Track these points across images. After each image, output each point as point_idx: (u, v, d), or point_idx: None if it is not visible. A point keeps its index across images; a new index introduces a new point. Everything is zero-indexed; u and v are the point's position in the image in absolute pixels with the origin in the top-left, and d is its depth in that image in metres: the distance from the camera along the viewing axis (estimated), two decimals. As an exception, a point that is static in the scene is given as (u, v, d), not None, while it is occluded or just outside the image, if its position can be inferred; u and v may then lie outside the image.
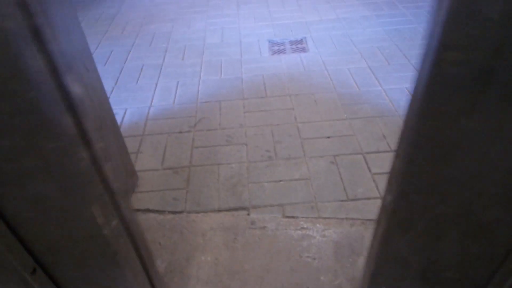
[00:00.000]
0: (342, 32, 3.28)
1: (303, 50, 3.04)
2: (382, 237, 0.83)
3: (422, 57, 0.57)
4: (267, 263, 1.53)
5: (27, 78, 0.58)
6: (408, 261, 0.85)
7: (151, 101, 2.54)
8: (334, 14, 3.61)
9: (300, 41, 3.17)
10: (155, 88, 2.67)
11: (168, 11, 3.89)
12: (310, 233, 1.64)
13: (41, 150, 0.67)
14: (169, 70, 2.88)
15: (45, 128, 0.64)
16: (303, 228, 1.66)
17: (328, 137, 2.16)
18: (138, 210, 1.77)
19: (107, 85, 2.71)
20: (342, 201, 1.78)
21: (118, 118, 2.37)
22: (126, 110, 2.46)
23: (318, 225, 1.67)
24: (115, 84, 2.74)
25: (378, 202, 1.76)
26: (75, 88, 0.66)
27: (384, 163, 1.97)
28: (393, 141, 2.09)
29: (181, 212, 1.76)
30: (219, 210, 1.76)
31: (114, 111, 2.41)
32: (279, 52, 3.04)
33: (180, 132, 2.25)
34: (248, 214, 1.74)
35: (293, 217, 1.71)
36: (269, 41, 3.21)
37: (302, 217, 1.71)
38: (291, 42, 3.17)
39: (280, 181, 1.90)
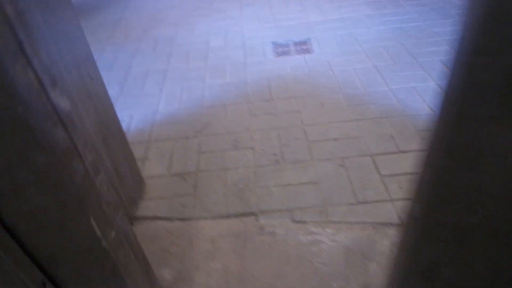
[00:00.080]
0: (347, 32, 3.25)
1: (308, 51, 3.02)
2: (410, 248, 0.80)
3: (453, 63, 0.55)
4: (277, 269, 1.51)
5: (14, 93, 0.57)
6: (436, 273, 0.83)
7: (157, 107, 2.53)
8: (338, 13, 3.58)
9: (305, 42, 3.15)
10: (160, 93, 2.66)
11: (172, 15, 3.88)
12: (320, 238, 1.62)
13: (34, 164, 0.66)
14: (174, 75, 2.87)
15: (37, 143, 0.63)
16: (312, 233, 1.64)
17: (336, 139, 2.14)
18: (146, 218, 1.76)
19: (112, 91, 2.71)
20: (351, 204, 1.76)
21: (124, 125, 2.36)
22: (132, 116, 2.45)
23: (327, 229, 1.65)
24: (121, 90, 2.74)
25: (388, 205, 1.73)
26: (62, 102, 0.65)
27: (392, 164, 1.94)
28: (401, 142, 2.07)
29: (189, 219, 1.75)
30: (228, 216, 1.75)
31: (120, 117, 2.41)
32: (284, 53, 3.02)
33: (186, 138, 2.24)
34: (257, 220, 1.72)
35: (302, 222, 1.70)
36: (273, 43, 3.19)
37: (312, 222, 1.69)
38: (295, 43, 3.15)
39: (288, 185, 1.88)
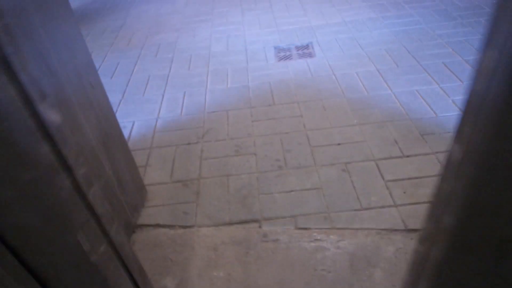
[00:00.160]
0: (349, 35, 3.24)
1: (310, 55, 3.01)
2: (439, 262, 0.77)
3: (487, 70, 0.52)
4: (281, 277, 1.49)
5: None
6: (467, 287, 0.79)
7: (159, 113, 2.52)
8: (340, 17, 3.57)
9: (306, 46, 3.14)
10: (162, 100, 2.66)
11: (173, 21, 3.89)
12: (324, 245, 1.60)
13: (18, 181, 0.65)
14: (176, 81, 2.87)
15: (21, 159, 0.62)
16: (316, 239, 1.62)
17: (339, 144, 2.12)
18: (148, 225, 1.74)
19: (115, 98, 2.71)
20: (355, 210, 1.73)
21: (126, 131, 2.36)
22: (133, 123, 2.45)
23: (332, 236, 1.63)
24: (122, 96, 2.74)
25: (393, 211, 1.71)
26: (51, 116, 0.64)
27: (397, 169, 1.92)
28: (405, 146, 2.04)
29: (192, 226, 1.73)
30: (230, 223, 1.73)
31: (122, 124, 2.41)
32: (286, 58, 3.01)
33: (188, 144, 2.23)
34: (260, 227, 1.70)
35: (306, 228, 1.67)
36: (275, 48, 3.18)
37: (315, 228, 1.67)
38: (297, 48, 3.14)
39: (291, 191, 1.86)
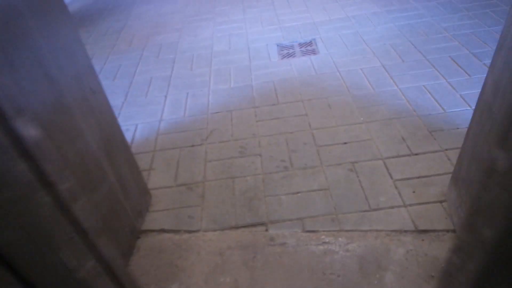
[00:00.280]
0: (353, 31, 3.19)
1: (313, 52, 2.96)
2: (476, 275, 0.73)
3: None
4: (289, 282, 1.46)
5: None
6: None
7: (161, 115, 2.50)
8: (343, 12, 3.51)
9: (310, 43, 3.09)
10: (165, 101, 2.63)
11: (174, 21, 3.86)
12: (333, 248, 1.56)
13: None
14: (178, 82, 2.84)
15: None
16: (324, 242, 1.59)
17: (345, 143, 2.08)
18: (153, 230, 1.72)
19: (117, 100, 2.69)
20: (364, 211, 1.69)
21: (129, 135, 2.33)
22: (136, 125, 2.42)
23: (340, 238, 1.59)
24: (125, 99, 2.71)
25: (402, 211, 1.67)
26: (29, 132, 0.61)
27: (405, 168, 1.87)
28: (413, 144, 2.00)
29: (197, 231, 1.70)
30: (236, 227, 1.70)
31: (125, 127, 2.39)
32: (289, 55, 2.97)
33: (192, 146, 2.20)
34: (267, 230, 1.67)
35: (313, 231, 1.64)
36: (278, 45, 3.14)
37: (323, 231, 1.63)
38: (301, 45, 3.09)
39: (298, 192, 1.83)
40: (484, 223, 0.65)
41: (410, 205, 1.69)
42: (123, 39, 3.60)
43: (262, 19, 3.63)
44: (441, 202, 1.69)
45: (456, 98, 2.28)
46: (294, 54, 2.98)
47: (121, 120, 2.45)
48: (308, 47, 3.04)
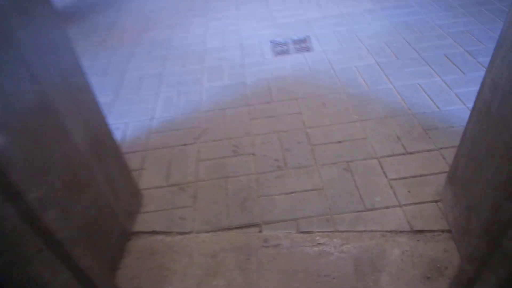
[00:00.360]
0: (347, 28, 3.16)
1: (307, 49, 2.93)
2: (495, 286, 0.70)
3: None
4: (284, 285, 1.43)
5: None
6: None
7: (153, 113, 2.45)
8: (338, 9, 3.48)
9: (304, 40, 3.05)
10: (157, 99, 2.58)
11: (166, 17, 3.79)
12: (327, 249, 1.54)
13: None
14: (170, 79, 2.78)
15: None
16: (319, 244, 1.56)
17: (340, 142, 2.05)
18: (144, 232, 1.68)
19: (107, 98, 2.63)
20: (359, 211, 1.67)
21: (119, 133, 2.28)
22: (127, 124, 2.37)
23: (335, 239, 1.57)
24: (115, 96, 2.65)
25: (398, 211, 1.65)
26: None
27: (400, 167, 1.85)
28: (408, 143, 1.98)
29: (189, 232, 1.67)
30: (230, 228, 1.66)
31: (115, 125, 2.34)
32: (283, 53, 2.93)
33: (185, 145, 2.16)
34: (261, 231, 1.64)
35: (308, 232, 1.61)
36: (272, 42, 3.09)
37: (318, 232, 1.61)
38: (295, 42, 3.05)
39: (292, 192, 1.80)
40: (503, 234, 0.62)
41: (405, 205, 1.67)
42: (114, 35, 3.53)
43: (255, 16, 3.58)
44: (436, 201, 1.67)
45: (450, 96, 2.26)
46: (288, 51, 2.94)
47: (111, 118, 2.40)
48: (302, 44, 3.00)
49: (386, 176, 1.82)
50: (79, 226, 1.22)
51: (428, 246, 1.51)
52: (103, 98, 2.61)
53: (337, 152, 1.98)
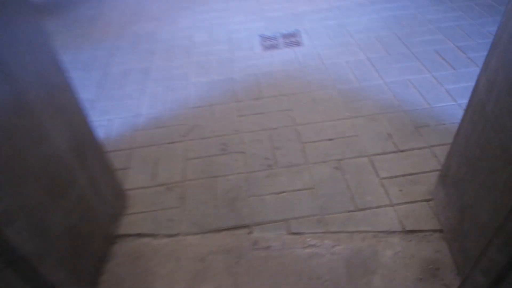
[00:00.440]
0: (337, 22, 3.11)
1: (297, 43, 2.87)
2: None
3: None
4: (274, 289, 1.39)
5: None
6: None
7: (139, 109, 2.37)
8: (327, 3, 3.43)
9: (293, 34, 3.00)
10: (142, 95, 2.50)
11: (152, 9, 3.68)
12: (319, 251, 1.50)
13: None
14: (156, 74, 2.70)
15: None
16: (310, 245, 1.53)
17: (330, 139, 2.01)
18: (130, 235, 1.62)
19: (90, 93, 2.53)
20: (350, 211, 1.64)
21: (103, 131, 2.20)
22: (111, 121, 2.29)
23: (326, 241, 1.54)
24: (99, 92, 2.56)
25: (389, 211, 1.62)
26: None
27: (392, 165, 1.83)
28: (399, 140, 1.95)
29: (176, 234, 1.62)
30: (219, 230, 1.62)
31: (99, 122, 2.26)
32: (272, 47, 2.87)
33: (172, 143, 2.10)
34: (250, 233, 1.60)
35: (299, 233, 1.58)
36: (261, 36, 3.03)
37: (309, 233, 1.57)
38: (284, 36, 3.00)
39: (282, 192, 1.76)
40: None
41: (397, 204, 1.65)
42: (97, 28, 3.41)
43: (244, 9, 3.50)
44: (427, 201, 1.65)
45: (441, 93, 2.24)
46: (278, 45, 2.89)
47: (94, 115, 2.31)
48: (292, 39, 2.95)
49: (377, 175, 1.79)
50: (57, 234, 1.15)
51: (420, 246, 1.49)
52: (86, 94, 2.53)
53: (328, 150, 1.95)
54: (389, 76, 2.43)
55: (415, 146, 1.91)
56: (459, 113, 2.07)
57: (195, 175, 1.88)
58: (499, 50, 1.09)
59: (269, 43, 2.93)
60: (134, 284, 1.44)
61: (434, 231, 1.53)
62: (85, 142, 1.44)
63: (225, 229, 1.62)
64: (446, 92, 2.24)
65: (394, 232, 1.55)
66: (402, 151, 1.90)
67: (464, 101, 2.14)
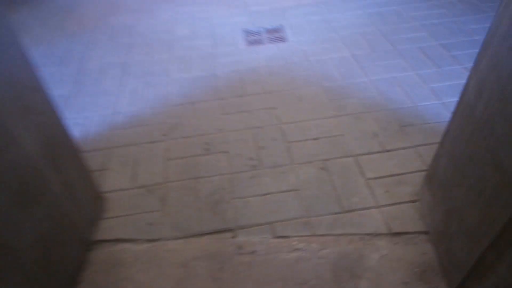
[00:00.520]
0: (321, 17, 3.07)
1: (281, 39, 2.82)
2: None
3: None
4: (260, 295, 1.35)
5: None
6: None
7: (117, 107, 2.27)
8: (311, -3, 3.37)
9: (278, 30, 2.94)
10: (121, 91, 2.40)
11: (131, 1, 3.54)
12: (305, 254, 1.47)
13: None
14: (135, 69, 2.60)
15: None
16: (296, 249, 1.49)
17: (316, 139, 1.98)
18: (108, 240, 1.55)
19: (65, 89, 2.42)
20: (336, 213, 1.61)
21: (79, 130, 2.10)
22: (88, 118, 2.19)
23: (313, 244, 1.51)
24: (75, 88, 2.44)
25: (375, 213, 1.60)
26: None
27: (377, 165, 1.81)
28: (385, 140, 1.94)
29: (158, 239, 1.55)
30: (202, 234, 1.56)
31: (74, 120, 2.15)
32: (256, 42, 2.81)
33: (152, 142, 2.02)
34: (234, 237, 1.55)
35: (284, 237, 1.54)
36: (244, 31, 2.96)
37: (295, 236, 1.54)
38: (268, 31, 2.93)
39: (267, 194, 1.71)
40: None
41: (384, 205, 1.63)
42: (73, 20, 3.26)
43: (227, 2, 3.41)
44: (413, 202, 1.64)
45: (425, 91, 2.24)
46: (262, 41, 2.82)
47: (70, 113, 2.21)
48: (276, 34, 2.89)
49: (363, 176, 1.77)
50: (26, 246, 1.08)
51: (406, 249, 1.47)
52: (61, 90, 2.41)
53: (314, 150, 1.91)
54: (374, 73, 2.41)
55: (400, 146, 1.90)
56: (443, 112, 2.09)
57: (177, 176, 1.82)
58: (489, 54, 1.07)
59: (253, 38, 2.86)
60: (113, 294, 1.37)
61: (420, 233, 1.52)
62: (58, 144, 1.36)
63: (208, 233, 1.56)
64: (430, 91, 2.23)
65: (380, 234, 1.53)
66: (388, 150, 1.88)
67: (448, 99, 2.17)
